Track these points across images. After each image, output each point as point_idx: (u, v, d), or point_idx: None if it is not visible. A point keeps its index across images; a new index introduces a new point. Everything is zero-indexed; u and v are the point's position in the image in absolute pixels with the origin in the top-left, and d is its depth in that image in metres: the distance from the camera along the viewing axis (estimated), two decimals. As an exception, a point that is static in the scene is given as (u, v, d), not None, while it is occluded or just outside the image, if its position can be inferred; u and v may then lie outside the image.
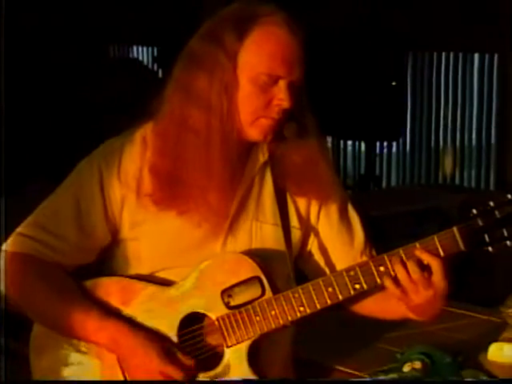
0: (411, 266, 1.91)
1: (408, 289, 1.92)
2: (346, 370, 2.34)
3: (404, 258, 1.92)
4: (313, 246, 2.15)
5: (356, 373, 2.32)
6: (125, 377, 2.02)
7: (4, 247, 2.05)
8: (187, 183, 1.98)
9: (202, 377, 1.99)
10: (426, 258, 1.90)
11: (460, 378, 2.24)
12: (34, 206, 2.08)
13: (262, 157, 2.06)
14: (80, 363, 2.06)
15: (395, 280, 1.92)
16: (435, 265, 1.90)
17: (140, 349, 1.97)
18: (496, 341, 2.44)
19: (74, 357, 2.06)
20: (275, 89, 1.96)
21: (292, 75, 1.97)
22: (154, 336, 1.99)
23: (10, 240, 2.05)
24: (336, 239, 2.15)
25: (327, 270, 2.12)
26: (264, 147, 2.05)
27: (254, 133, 1.99)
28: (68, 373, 2.06)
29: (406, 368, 2.26)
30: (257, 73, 1.95)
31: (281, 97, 1.96)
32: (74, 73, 7.09)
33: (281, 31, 1.96)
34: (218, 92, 1.95)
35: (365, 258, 2.08)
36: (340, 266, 2.10)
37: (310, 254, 2.15)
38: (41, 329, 2.08)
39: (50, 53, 7.14)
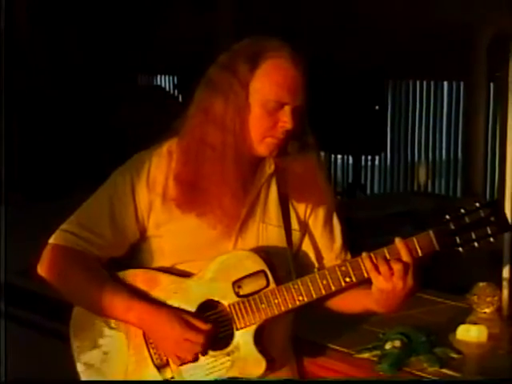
0: (393, 262, 1.89)
1: (386, 277, 1.89)
2: (338, 347, 2.32)
3: (387, 255, 1.90)
4: (302, 244, 2.12)
5: (346, 350, 2.30)
6: (149, 349, 2.00)
7: (50, 240, 2.03)
8: (205, 190, 1.97)
9: (215, 354, 1.97)
10: (404, 255, 1.88)
11: (433, 354, 2.22)
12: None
13: (269, 169, 2.04)
14: (111, 337, 2.04)
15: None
16: (409, 264, 1.88)
17: (165, 324, 1.95)
18: (463, 323, 2.42)
19: (106, 332, 2.04)
20: (281, 113, 1.94)
21: (296, 101, 1.95)
22: (175, 312, 1.96)
23: (54, 234, 2.03)
24: (318, 242, 2.13)
25: (311, 266, 2.09)
26: (271, 161, 2.03)
27: (262, 149, 1.98)
28: (100, 346, 2.04)
29: (388, 346, 2.23)
30: (266, 99, 1.94)
31: (285, 119, 1.94)
32: (112, 97, 7.26)
33: (286, 64, 1.94)
34: (232, 115, 1.94)
35: (339, 262, 2.05)
36: (319, 264, 2.09)
37: (299, 250, 2.12)
38: (79, 311, 2.06)
39: (96, 81, 7.44)
